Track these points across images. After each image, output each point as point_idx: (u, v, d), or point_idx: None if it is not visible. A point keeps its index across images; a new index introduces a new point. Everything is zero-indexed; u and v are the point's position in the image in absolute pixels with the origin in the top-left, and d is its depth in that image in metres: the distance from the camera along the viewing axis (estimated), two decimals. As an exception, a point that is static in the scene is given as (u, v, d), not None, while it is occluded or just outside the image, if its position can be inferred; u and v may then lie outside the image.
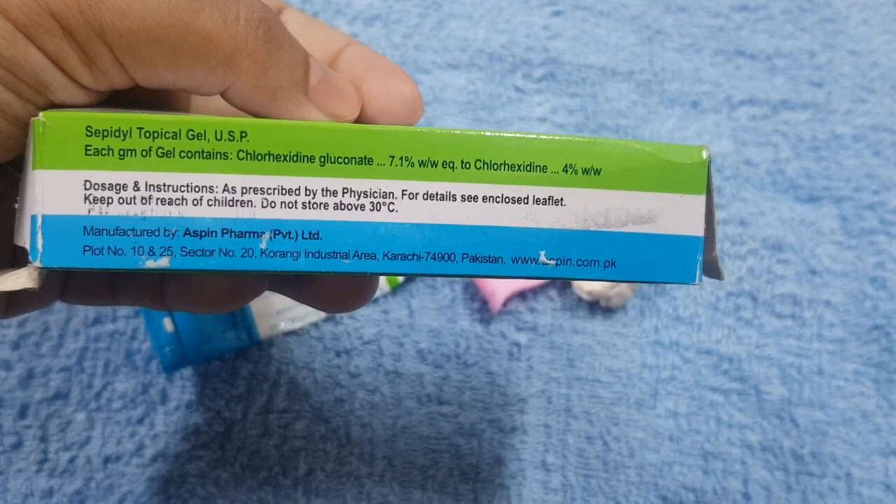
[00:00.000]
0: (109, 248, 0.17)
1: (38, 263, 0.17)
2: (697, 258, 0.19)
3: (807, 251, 0.38)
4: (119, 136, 0.17)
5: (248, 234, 0.18)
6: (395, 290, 0.35)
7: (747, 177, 0.39)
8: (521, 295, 0.36)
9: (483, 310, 0.36)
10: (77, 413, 0.33)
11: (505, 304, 0.35)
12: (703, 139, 0.39)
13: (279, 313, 0.34)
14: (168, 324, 0.33)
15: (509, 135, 0.18)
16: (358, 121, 0.21)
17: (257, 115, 0.20)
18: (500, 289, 0.35)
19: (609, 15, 0.41)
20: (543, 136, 0.18)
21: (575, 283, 0.35)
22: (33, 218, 0.17)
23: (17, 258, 0.21)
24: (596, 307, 0.36)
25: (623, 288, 0.35)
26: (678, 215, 0.19)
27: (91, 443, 0.33)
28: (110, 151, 0.17)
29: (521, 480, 0.34)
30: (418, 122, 0.22)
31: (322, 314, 0.34)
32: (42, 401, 0.33)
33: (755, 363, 0.36)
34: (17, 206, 0.18)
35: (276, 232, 0.18)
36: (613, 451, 0.34)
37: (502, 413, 0.34)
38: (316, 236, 0.18)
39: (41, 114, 0.17)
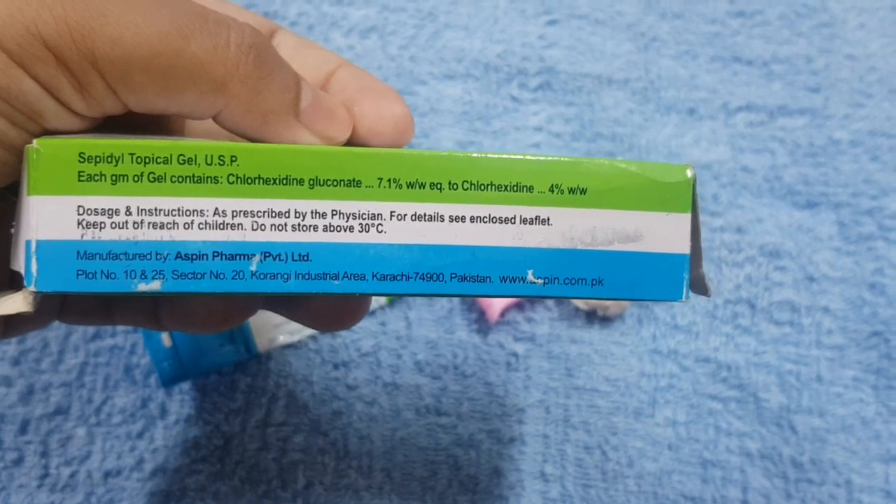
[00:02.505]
0: (102, 272, 0.17)
1: (32, 288, 0.17)
2: (684, 275, 0.19)
3: (805, 258, 0.38)
4: (111, 162, 0.17)
5: (238, 257, 0.18)
6: (393, 302, 0.35)
7: (744, 183, 0.39)
8: (519, 305, 0.36)
9: (480, 320, 0.36)
10: (77, 428, 0.33)
11: (502, 314, 0.35)
12: (700, 146, 0.39)
13: (277, 326, 0.34)
14: (166, 338, 0.33)
15: (495, 156, 0.19)
16: (349, 142, 0.22)
17: (249, 139, 0.20)
18: (496, 299, 0.35)
19: (604, 23, 0.41)
20: (529, 157, 0.19)
21: (572, 292, 0.36)
22: (28, 243, 0.17)
23: (13, 282, 0.21)
24: (593, 316, 0.36)
25: (620, 297, 0.35)
26: (664, 233, 0.19)
27: (91, 458, 0.33)
28: (103, 177, 0.17)
29: (520, 491, 0.34)
30: (409, 143, 0.22)
31: (320, 327, 0.34)
32: (42, 416, 0.33)
33: (753, 371, 0.36)
34: (13, 230, 0.19)
35: (266, 254, 0.18)
36: (612, 461, 0.34)
37: (500, 423, 0.34)
38: (305, 258, 0.18)
39: (35, 141, 0.17)
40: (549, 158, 0.19)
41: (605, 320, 0.36)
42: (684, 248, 0.19)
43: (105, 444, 0.33)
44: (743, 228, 0.38)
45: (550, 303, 0.36)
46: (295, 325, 0.34)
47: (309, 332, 0.34)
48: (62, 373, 0.34)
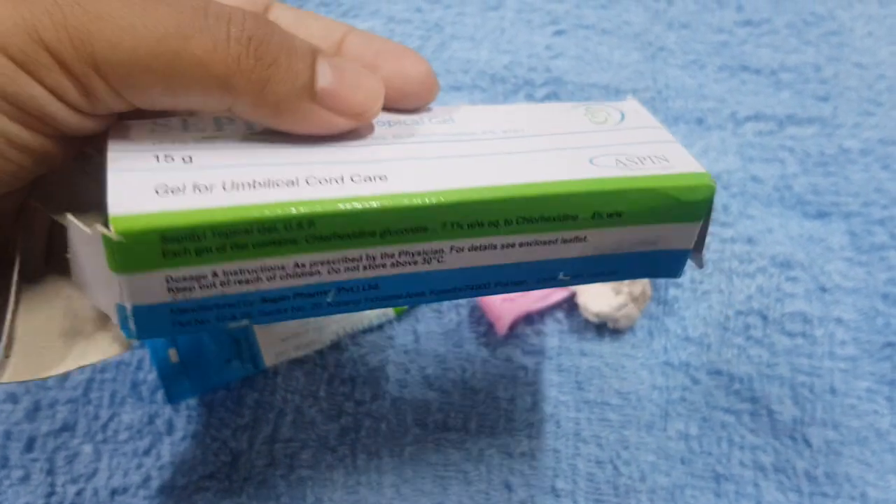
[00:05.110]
0: (196, 320, 0.19)
1: (134, 340, 0.19)
2: (684, 263, 0.23)
3: (816, 268, 0.37)
4: (194, 239, 0.18)
5: (316, 294, 0.20)
6: (401, 316, 0.35)
7: (754, 193, 0.38)
8: (528, 318, 0.35)
9: (489, 334, 0.35)
10: (84, 445, 0.33)
11: (511, 327, 0.35)
12: (709, 156, 0.39)
13: (284, 341, 0.34)
14: (173, 354, 0.32)
15: (553, 192, 0.20)
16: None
17: (270, 128, 0.20)
18: (506, 312, 0.34)
19: (611, 33, 0.41)
20: (581, 189, 0.20)
21: (581, 305, 0.35)
22: (121, 307, 0.18)
23: (49, 262, 0.21)
24: (603, 329, 0.36)
25: (630, 309, 0.35)
26: (677, 237, 0.22)
27: (98, 475, 0.33)
28: (187, 252, 0.18)
29: (531, 506, 0.33)
30: (435, 98, 0.23)
31: (326, 341, 0.34)
32: (49, 433, 0.33)
33: (766, 383, 0.35)
34: (68, 256, 0.19)
35: (341, 289, 0.20)
36: (624, 476, 0.34)
37: (510, 438, 0.34)
38: (375, 287, 0.20)
39: (110, 225, 0.17)
40: (599, 189, 0.20)
41: (616, 333, 0.36)
42: (689, 245, 0.22)
43: (112, 460, 0.33)
44: (754, 239, 0.38)
45: (560, 315, 0.36)
46: (302, 340, 0.34)
47: (316, 346, 0.34)
48: (68, 389, 0.33)
